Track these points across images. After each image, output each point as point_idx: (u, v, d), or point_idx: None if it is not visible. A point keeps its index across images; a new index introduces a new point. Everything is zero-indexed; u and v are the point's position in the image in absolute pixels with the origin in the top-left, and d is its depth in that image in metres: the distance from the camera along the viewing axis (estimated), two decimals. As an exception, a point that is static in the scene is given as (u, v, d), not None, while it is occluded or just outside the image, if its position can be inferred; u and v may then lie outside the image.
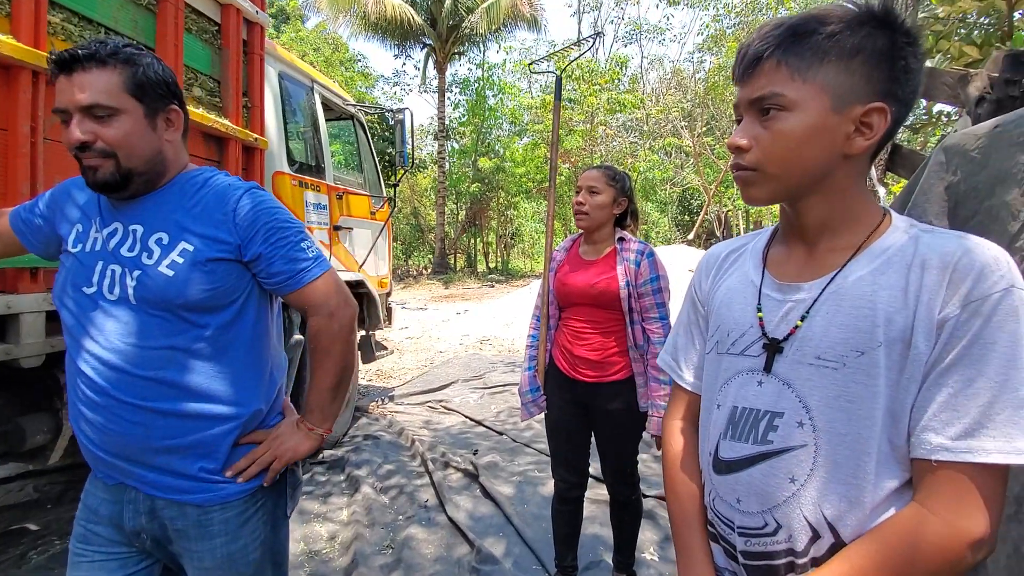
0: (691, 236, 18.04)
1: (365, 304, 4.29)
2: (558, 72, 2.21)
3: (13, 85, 1.51)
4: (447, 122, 20.66)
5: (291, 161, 3.37)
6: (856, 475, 0.66)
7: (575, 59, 2.23)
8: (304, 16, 23.87)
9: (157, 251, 0.99)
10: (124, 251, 1.00)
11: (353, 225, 4.11)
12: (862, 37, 0.66)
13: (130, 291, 0.98)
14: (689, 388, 0.90)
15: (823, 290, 0.71)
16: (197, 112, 2.27)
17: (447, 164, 20.76)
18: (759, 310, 0.76)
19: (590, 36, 2.28)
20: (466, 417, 4.37)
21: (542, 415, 2.04)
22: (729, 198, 18.75)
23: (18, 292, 1.55)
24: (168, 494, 1.02)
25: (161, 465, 1.01)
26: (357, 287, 4.03)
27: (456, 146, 22.56)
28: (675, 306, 2.29)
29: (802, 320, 0.71)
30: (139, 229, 1.01)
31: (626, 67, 18.23)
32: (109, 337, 0.98)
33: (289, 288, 1.07)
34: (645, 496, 2.73)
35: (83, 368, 0.98)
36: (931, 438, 0.62)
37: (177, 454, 1.01)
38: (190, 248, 1.00)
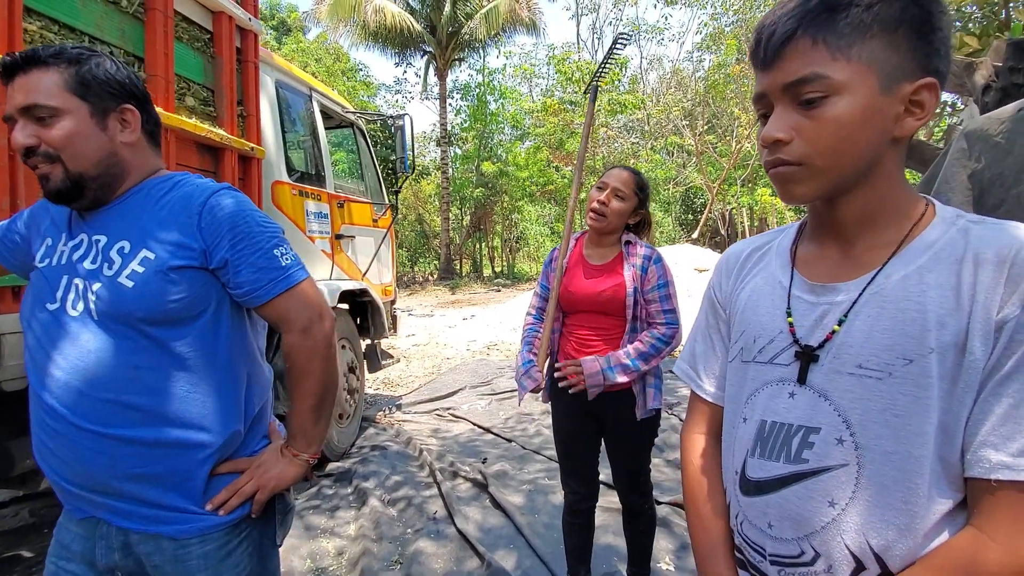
0: (695, 235, 17.91)
1: (369, 312, 4.25)
2: (596, 84, 2.17)
3: (-13, 96, 1.45)
4: (449, 128, 20.67)
5: (291, 170, 3.32)
6: (906, 499, 0.58)
7: (605, 64, 2.19)
8: (305, 27, 24.07)
9: (118, 261, 0.92)
10: (87, 264, 0.94)
11: (355, 233, 4.06)
12: (901, 8, 0.59)
13: (92, 306, 0.91)
14: (710, 399, 0.82)
15: (863, 291, 0.63)
16: (189, 122, 2.23)
17: (450, 170, 20.76)
18: (789, 314, 0.69)
19: (619, 36, 2.20)
20: (474, 424, 4.30)
21: (550, 423, 1.97)
22: (732, 195, 18.63)
23: (0, 312, 1.50)
24: (142, 525, 0.95)
25: (132, 494, 0.93)
26: (361, 295, 3.98)
27: (459, 152, 22.58)
28: (683, 308, 2.21)
29: (839, 324, 0.63)
30: (102, 239, 0.95)
31: (626, 68, 18.17)
32: (69, 357, 0.91)
33: (258, 300, 0.99)
34: (659, 503, 2.64)
35: (43, 394, 0.92)
36: (990, 455, 0.55)
37: (147, 482, 0.93)
38: (151, 256, 0.92)
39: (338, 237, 3.79)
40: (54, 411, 0.90)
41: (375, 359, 4.43)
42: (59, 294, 0.93)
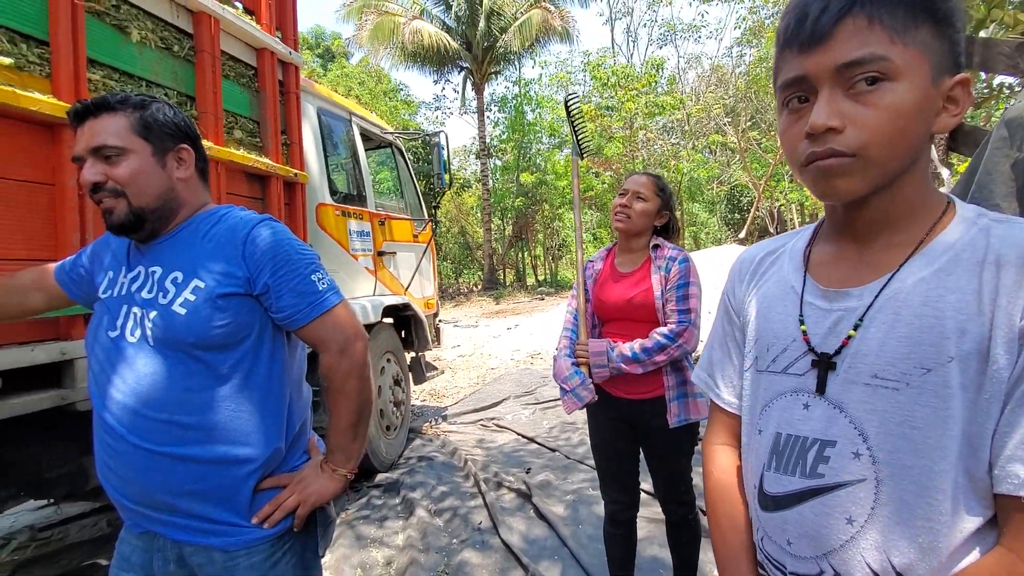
0: (742, 234, 17.34)
1: (412, 326, 4.35)
2: (578, 150, 2.18)
3: (57, 142, 1.61)
4: (488, 140, 20.95)
5: (333, 192, 3.47)
6: (928, 515, 0.55)
7: (576, 128, 2.18)
8: (348, 53, 25.02)
9: (172, 290, 1.00)
10: (144, 293, 1.02)
11: (397, 249, 4.18)
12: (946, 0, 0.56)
13: (148, 332, 0.99)
14: (729, 409, 0.80)
15: (877, 296, 0.60)
16: (238, 153, 2.37)
17: (491, 181, 21.00)
18: (802, 321, 0.66)
19: (568, 98, 2.10)
20: (518, 434, 4.31)
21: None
22: (781, 192, 17.96)
23: (71, 339, 1.64)
24: (194, 537, 1.01)
25: (184, 509, 1.00)
26: (403, 309, 4.09)
27: (498, 163, 22.83)
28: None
29: (855, 330, 0.61)
30: (158, 270, 1.03)
31: (662, 69, 17.92)
32: (127, 380, 0.99)
33: (298, 322, 1.05)
34: (705, 514, 2.58)
35: (104, 415, 1.00)
36: (1018, 470, 0.52)
37: (198, 498, 1.00)
38: (202, 285, 1.00)
39: (380, 254, 3.92)
40: (114, 431, 0.98)
41: (420, 371, 4.52)
42: (119, 322, 1.02)
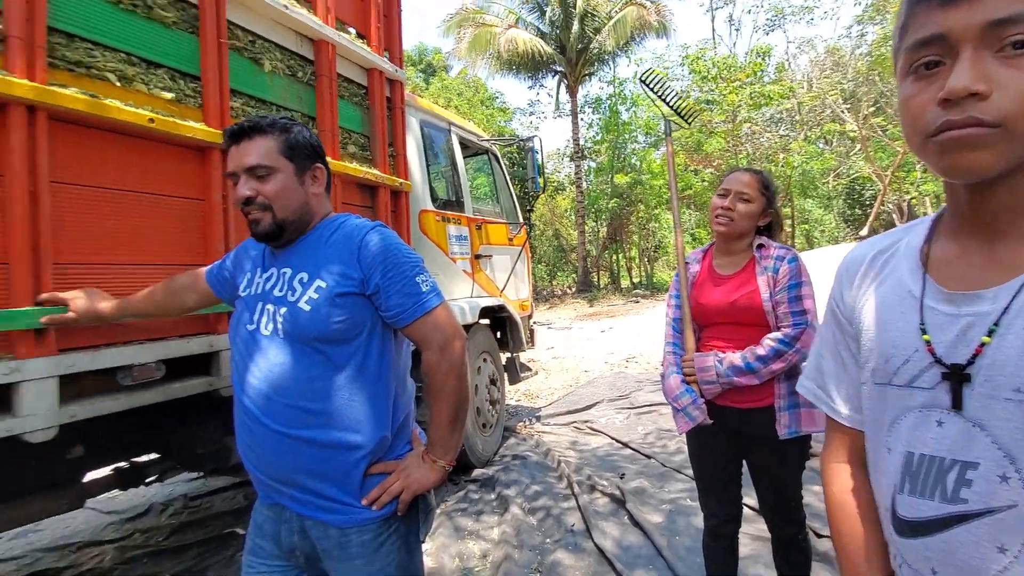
0: (864, 231, 15.75)
1: (508, 327, 4.46)
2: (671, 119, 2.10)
3: (207, 163, 1.87)
4: (582, 142, 20.85)
5: (434, 199, 3.66)
6: None
7: (667, 99, 2.08)
8: (448, 66, 26.14)
9: (299, 289, 1.12)
10: (276, 291, 1.15)
11: (493, 252, 4.32)
12: None
13: (279, 326, 1.12)
14: (848, 423, 0.73)
15: (1014, 297, 0.53)
16: (351, 166, 2.58)
17: (584, 183, 20.89)
18: (923, 330, 0.59)
19: (644, 76, 1.96)
20: (612, 439, 4.26)
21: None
22: (911, 183, 16.07)
23: (218, 332, 1.90)
24: (314, 513, 1.13)
25: (307, 487, 1.12)
26: (499, 311, 4.21)
27: (592, 165, 22.64)
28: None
29: (988, 337, 0.54)
30: (288, 271, 1.16)
31: (769, 57, 16.77)
32: (262, 368, 1.12)
33: (404, 321, 1.14)
34: (819, 535, 2.39)
35: (243, 399, 1.14)
36: None
37: (318, 477, 1.11)
38: (323, 285, 1.11)
39: (477, 257, 4.07)
40: (251, 413, 1.12)
41: (514, 371, 4.62)
42: (255, 317, 1.16)
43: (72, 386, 1.52)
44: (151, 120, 1.64)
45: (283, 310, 1.12)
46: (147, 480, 2.47)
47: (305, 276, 1.14)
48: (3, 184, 1.35)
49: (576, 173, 20.40)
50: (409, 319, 1.14)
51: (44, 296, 1.41)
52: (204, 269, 1.42)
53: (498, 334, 4.48)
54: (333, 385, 1.11)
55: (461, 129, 4.25)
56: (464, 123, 4.41)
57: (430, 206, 3.58)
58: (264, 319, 1.15)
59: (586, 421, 4.80)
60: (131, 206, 1.66)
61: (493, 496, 3.30)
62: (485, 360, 4.05)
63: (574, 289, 21.23)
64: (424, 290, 1.15)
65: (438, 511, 2.57)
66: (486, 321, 4.22)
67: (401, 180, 3.02)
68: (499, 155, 4.83)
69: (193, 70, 1.85)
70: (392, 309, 1.13)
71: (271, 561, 1.19)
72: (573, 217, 22.22)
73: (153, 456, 2.43)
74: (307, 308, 1.10)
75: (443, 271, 3.63)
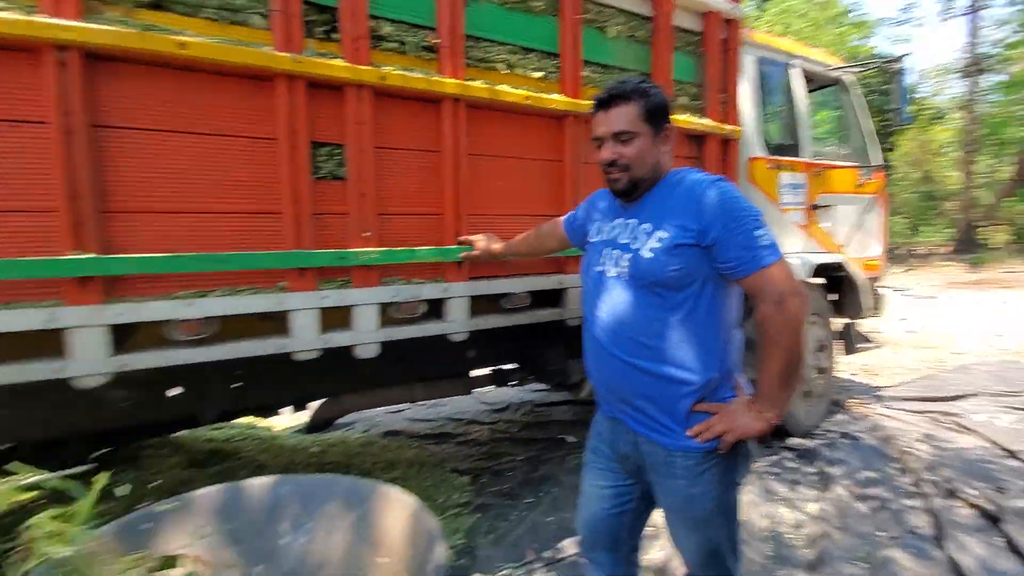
0: None
1: (845, 289, 3.87)
2: None
3: (562, 129, 2.21)
4: (982, 49, 15.44)
5: (768, 144, 3.37)
6: None
7: None
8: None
9: (643, 238, 1.26)
10: (621, 239, 1.31)
11: (834, 202, 3.76)
12: None
13: (624, 270, 1.28)
14: None
15: None
16: (681, 118, 2.60)
17: (981, 107, 15.58)
18: None
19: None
20: (991, 441, 3.34)
21: None
22: None
23: (565, 272, 2.28)
24: (647, 431, 1.29)
25: (641, 408, 1.28)
26: (837, 270, 3.68)
27: (997, 80, 16.60)
28: None
29: None
30: (633, 222, 1.31)
31: None
32: (607, 304, 1.30)
33: (741, 273, 1.17)
34: None
35: (592, 328, 1.36)
36: None
37: (650, 402, 1.26)
38: (665, 235, 1.22)
39: (814, 207, 3.60)
40: (598, 341, 1.34)
41: (851, 341, 4.02)
42: (603, 260, 1.35)
43: (475, 305, 2.09)
44: (527, 98, 2.02)
45: (628, 256, 1.27)
46: (510, 383, 3.15)
47: (649, 227, 1.26)
48: (441, 158, 1.90)
49: (970, 93, 15.34)
50: (745, 272, 1.18)
51: (461, 238, 1.96)
52: (561, 218, 1.72)
53: (835, 296, 3.93)
54: (666, 325, 1.23)
55: (804, 60, 3.72)
56: (808, 52, 3.84)
57: (761, 152, 3.31)
58: (611, 263, 1.32)
59: (950, 414, 3.87)
60: (512, 168, 2.13)
61: (813, 470, 3.05)
62: (814, 323, 3.64)
63: (949, 248, 16.49)
64: (762, 244, 1.17)
65: (752, 466, 2.55)
66: (821, 280, 3.75)
67: (731, 127, 2.88)
68: (852, 84, 4.05)
69: (554, 49, 2.16)
70: (729, 262, 1.18)
71: (608, 462, 1.42)
72: (955, 154, 16.96)
73: (515, 366, 3.07)
74: (648, 256, 1.23)
75: (772, 222, 3.33)
